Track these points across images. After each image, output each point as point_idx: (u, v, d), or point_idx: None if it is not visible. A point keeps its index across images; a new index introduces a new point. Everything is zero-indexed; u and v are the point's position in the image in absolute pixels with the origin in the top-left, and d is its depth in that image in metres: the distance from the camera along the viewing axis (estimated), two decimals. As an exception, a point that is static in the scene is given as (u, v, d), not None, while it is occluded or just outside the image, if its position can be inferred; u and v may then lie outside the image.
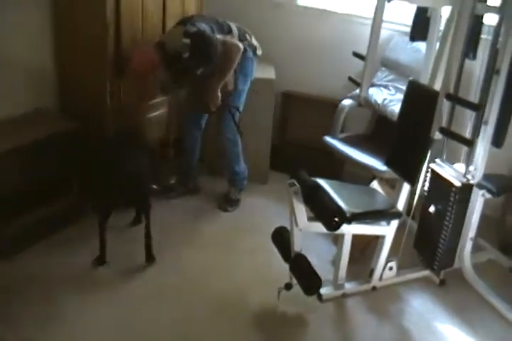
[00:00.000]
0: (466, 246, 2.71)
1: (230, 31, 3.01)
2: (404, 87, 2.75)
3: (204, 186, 3.55)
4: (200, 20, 2.89)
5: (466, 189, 2.50)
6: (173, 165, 3.52)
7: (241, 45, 2.95)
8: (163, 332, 2.38)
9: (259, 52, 3.17)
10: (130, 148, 2.75)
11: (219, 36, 2.87)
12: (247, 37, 3.11)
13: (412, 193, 2.67)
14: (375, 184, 2.96)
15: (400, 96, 3.00)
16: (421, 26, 2.75)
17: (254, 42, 3.16)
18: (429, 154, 2.50)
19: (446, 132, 2.42)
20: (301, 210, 2.42)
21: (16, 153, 2.63)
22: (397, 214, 2.57)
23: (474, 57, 2.62)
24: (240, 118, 3.22)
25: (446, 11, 2.48)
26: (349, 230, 2.51)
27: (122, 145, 2.79)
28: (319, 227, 2.38)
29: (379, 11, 2.80)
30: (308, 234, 2.50)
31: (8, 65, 2.83)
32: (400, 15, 3.39)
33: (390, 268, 2.72)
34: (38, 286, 2.57)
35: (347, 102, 3.45)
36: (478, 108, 2.42)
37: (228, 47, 2.90)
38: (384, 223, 2.60)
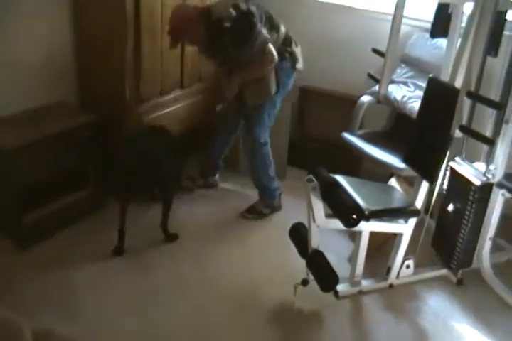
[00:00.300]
0: (485, 245, 2.69)
1: (277, 31, 2.91)
2: (423, 84, 2.73)
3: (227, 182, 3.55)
4: (255, 4, 2.80)
5: (486, 188, 2.48)
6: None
7: (276, 58, 2.83)
8: (180, 326, 2.40)
9: (298, 65, 3.02)
10: (154, 138, 2.88)
11: (264, 31, 2.77)
12: (293, 45, 2.99)
13: (430, 191, 2.65)
14: (393, 181, 2.94)
15: (420, 93, 2.98)
16: (442, 23, 2.73)
17: (297, 53, 3.01)
18: (448, 152, 2.48)
19: (466, 130, 2.39)
20: (319, 206, 2.41)
21: (37, 145, 2.66)
22: (415, 212, 2.55)
23: (496, 55, 2.58)
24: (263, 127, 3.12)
25: (468, 7, 2.45)
26: (367, 227, 2.50)
27: (146, 135, 2.90)
28: (337, 224, 2.37)
29: (399, 6, 2.79)
30: (325, 230, 2.50)
31: (28, 59, 2.87)
32: (421, 12, 3.36)
33: (408, 266, 2.71)
34: (55, 275, 2.60)
35: (366, 99, 3.42)
36: (500, 106, 2.39)
37: (264, 52, 2.81)
38: (402, 221, 2.58)
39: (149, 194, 3.15)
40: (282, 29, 2.94)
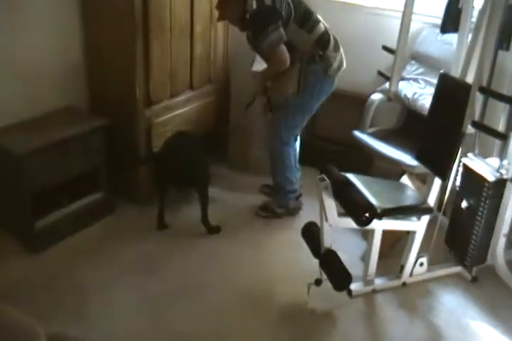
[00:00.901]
0: (499, 242, 2.66)
1: (310, 30, 2.84)
2: (434, 81, 2.70)
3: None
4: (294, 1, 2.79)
5: (500, 184, 2.46)
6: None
7: (285, 63, 2.78)
8: (193, 326, 2.40)
9: (330, 71, 2.92)
10: (188, 141, 3.08)
11: (279, 31, 2.71)
12: (329, 48, 2.89)
13: (443, 188, 2.63)
14: (405, 179, 2.92)
15: (431, 89, 2.96)
16: (452, 18, 2.71)
17: (333, 57, 2.91)
18: (460, 148, 2.45)
19: (478, 126, 2.38)
20: (331, 205, 2.40)
21: (48, 149, 2.68)
22: (428, 210, 2.53)
23: (508, 48, 2.56)
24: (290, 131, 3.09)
25: (478, 2, 2.43)
26: (379, 226, 2.49)
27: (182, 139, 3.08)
28: (349, 223, 2.36)
29: (409, 3, 2.77)
30: (337, 229, 2.49)
31: (39, 64, 2.88)
32: (430, 7, 3.34)
33: (421, 264, 2.69)
34: (67, 279, 2.62)
35: (376, 96, 3.41)
36: (513, 101, 2.37)
37: (272, 55, 2.81)
38: (414, 218, 2.57)
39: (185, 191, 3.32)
40: (318, 30, 2.87)
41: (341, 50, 2.97)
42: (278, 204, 3.24)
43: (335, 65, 2.93)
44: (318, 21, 2.88)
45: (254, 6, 2.73)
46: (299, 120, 3.08)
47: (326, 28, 2.91)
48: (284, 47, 2.77)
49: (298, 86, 2.92)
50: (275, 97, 3.03)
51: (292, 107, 3.00)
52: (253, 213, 3.25)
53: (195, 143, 3.07)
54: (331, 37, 2.92)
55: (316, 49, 2.87)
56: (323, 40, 2.89)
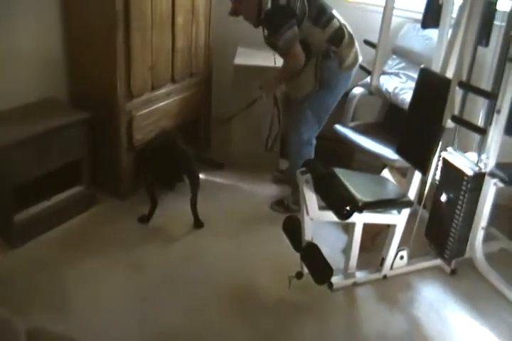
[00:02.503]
0: (478, 235, 2.70)
1: (324, 26, 2.88)
2: (415, 75, 2.72)
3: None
4: None
5: (478, 178, 2.48)
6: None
7: (300, 62, 2.84)
8: (173, 318, 2.40)
9: (344, 66, 2.94)
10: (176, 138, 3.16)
11: (293, 30, 2.77)
12: (344, 43, 2.92)
13: (423, 182, 2.66)
14: (386, 173, 2.95)
15: (411, 84, 2.98)
16: (433, 13, 2.71)
17: (347, 53, 2.93)
18: (440, 143, 2.48)
19: (458, 120, 2.39)
20: (312, 199, 2.41)
21: (27, 142, 2.64)
22: (408, 203, 2.56)
23: (487, 44, 2.58)
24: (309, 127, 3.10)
25: (458, -2, 2.44)
26: (360, 219, 2.50)
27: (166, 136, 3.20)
28: (330, 216, 2.37)
29: (390, -3, 2.77)
30: (319, 222, 2.50)
31: (18, 55, 2.84)
32: (411, 3, 3.35)
33: (401, 257, 2.71)
34: (47, 273, 2.59)
35: (358, 90, 3.43)
36: (492, 96, 2.40)
37: (287, 54, 2.87)
38: (395, 212, 2.59)
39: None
40: (332, 26, 2.90)
41: (356, 44, 3.00)
42: (293, 201, 3.21)
43: (349, 59, 2.96)
44: (332, 17, 2.92)
45: (269, 5, 2.79)
46: (319, 118, 3.08)
47: (340, 23, 2.94)
48: (298, 46, 2.82)
49: (315, 83, 2.94)
50: (293, 95, 3.07)
51: (311, 104, 3.01)
52: (234, 207, 3.26)
53: (178, 138, 3.13)
54: (346, 32, 2.94)
55: (330, 45, 2.90)
56: (337, 36, 2.92)
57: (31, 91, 2.96)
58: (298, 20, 2.81)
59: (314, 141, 3.15)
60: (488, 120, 2.49)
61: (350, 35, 2.97)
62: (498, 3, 2.47)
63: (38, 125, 2.72)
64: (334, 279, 2.58)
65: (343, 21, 2.97)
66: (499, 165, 2.55)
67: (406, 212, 2.58)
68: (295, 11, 2.80)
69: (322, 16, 2.88)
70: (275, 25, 2.81)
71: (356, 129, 3.40)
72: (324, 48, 2.90)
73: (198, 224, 3.05)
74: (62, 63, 3.08)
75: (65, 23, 3.00)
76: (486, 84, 2.57)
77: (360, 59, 3.04)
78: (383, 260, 2.70)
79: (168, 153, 3.01)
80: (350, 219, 2.36)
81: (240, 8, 2.95)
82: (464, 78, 2.42)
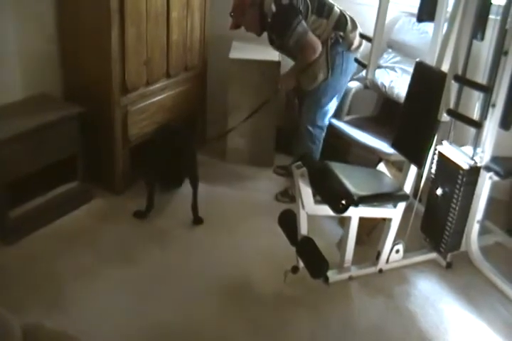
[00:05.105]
0: (473, 228, 2.71)
1: (327, 17, 3.00)
2: (410, 69, 2.71)
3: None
4: None
5: (474, 171, 2.49)
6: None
7: (318, 48, 2.94)
8: (169, 312, 2.40)
9: (353, 47, 3.08)
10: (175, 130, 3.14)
11: (302, 25, 2.88)
12: (348, 28, 3.03)
13: (419, 176, 2.66)
14: (381, 166, 2.95)
15: (407, 78, 2.97)
16: (428, 7, 2.71)
17: (353, 36, 3.05)
18: (436, 136, 2.48)
19: (453, 114, 2.39)
20: (308, 193, 2.41)
21: (21, 137, 2.63)
22: (404, 197, 2.56)
23: (482, 38, 2.57)
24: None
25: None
26: (356, 213, 2.50)
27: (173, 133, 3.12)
28: (326, 210, 2.37)
29: (386, -9, 2.76)
30: (314, 216, 2.50)
31: (10, 49, 2.81)
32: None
33: (397, 251, 2.72)
34: (43, 269, 2.59)
35: (353, 84, 3.42)
36: (487, 89, 2.39)
37: (303, 45, 2.94)
38: (391, 206, 2.59)
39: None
40: (334, 14, 3.01)
41: (359, 28, 3.09)
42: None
43: (356, 41, 3.09)
44: (332, 6, 3.03)
45: (274, 9, 2.90)
46: (332, 102, 3.17)
47: (340, 10, 3.05)
48: (312, 35, 2.93)
49: (327, 71, 3.04)
50: (306, 87, 3.12)
51: (323, 91, 3.10)
52: (230, 202, 3.25)
53: (182, 131, 3.14)
54: (347, 17, 3.06)
55: (337, 31, 3.01)
56: (341, 22, 3.04)
57: (25, 86, 2.94)
58: (303, 16, 2.91)
59: (326, 125, 3.24)
60: (484, 114, 2.49)
61: (352, 19, 3.09)
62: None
63: (32, 120, 2.71)
64: (330, 273, 2.59)
65: (341, 7, 3.07)
66: (494, 159, 2.55)
67: (402, 205, 2.59)
68: (299, 8, 2.91)
69: (324, 7, 3.00)
70: (285, 24, 2.90)
71: (352, 123, 3.40)
72: (332, 36, 3.00)
73: (197, 220, 3.04)
74: (56, 58, 3.06)
75: (59, 17, 2.98)
76: (482, 78, 2.56)
77: (364, 42, 3.12)
78: (379, 254, 2.70)
79: (178, 154, 2.96)
80: (346, 213, 2.36)
81: (242, 22, 3.06)
82: (460, 72, 2.41)
